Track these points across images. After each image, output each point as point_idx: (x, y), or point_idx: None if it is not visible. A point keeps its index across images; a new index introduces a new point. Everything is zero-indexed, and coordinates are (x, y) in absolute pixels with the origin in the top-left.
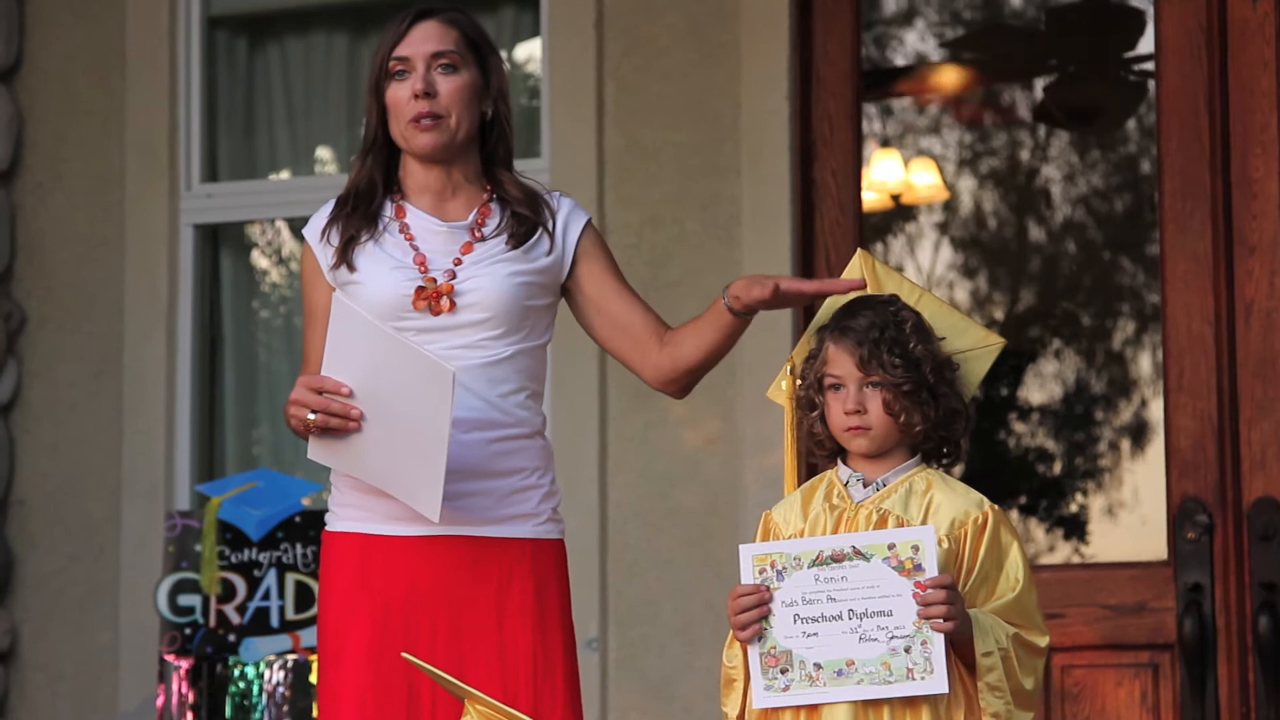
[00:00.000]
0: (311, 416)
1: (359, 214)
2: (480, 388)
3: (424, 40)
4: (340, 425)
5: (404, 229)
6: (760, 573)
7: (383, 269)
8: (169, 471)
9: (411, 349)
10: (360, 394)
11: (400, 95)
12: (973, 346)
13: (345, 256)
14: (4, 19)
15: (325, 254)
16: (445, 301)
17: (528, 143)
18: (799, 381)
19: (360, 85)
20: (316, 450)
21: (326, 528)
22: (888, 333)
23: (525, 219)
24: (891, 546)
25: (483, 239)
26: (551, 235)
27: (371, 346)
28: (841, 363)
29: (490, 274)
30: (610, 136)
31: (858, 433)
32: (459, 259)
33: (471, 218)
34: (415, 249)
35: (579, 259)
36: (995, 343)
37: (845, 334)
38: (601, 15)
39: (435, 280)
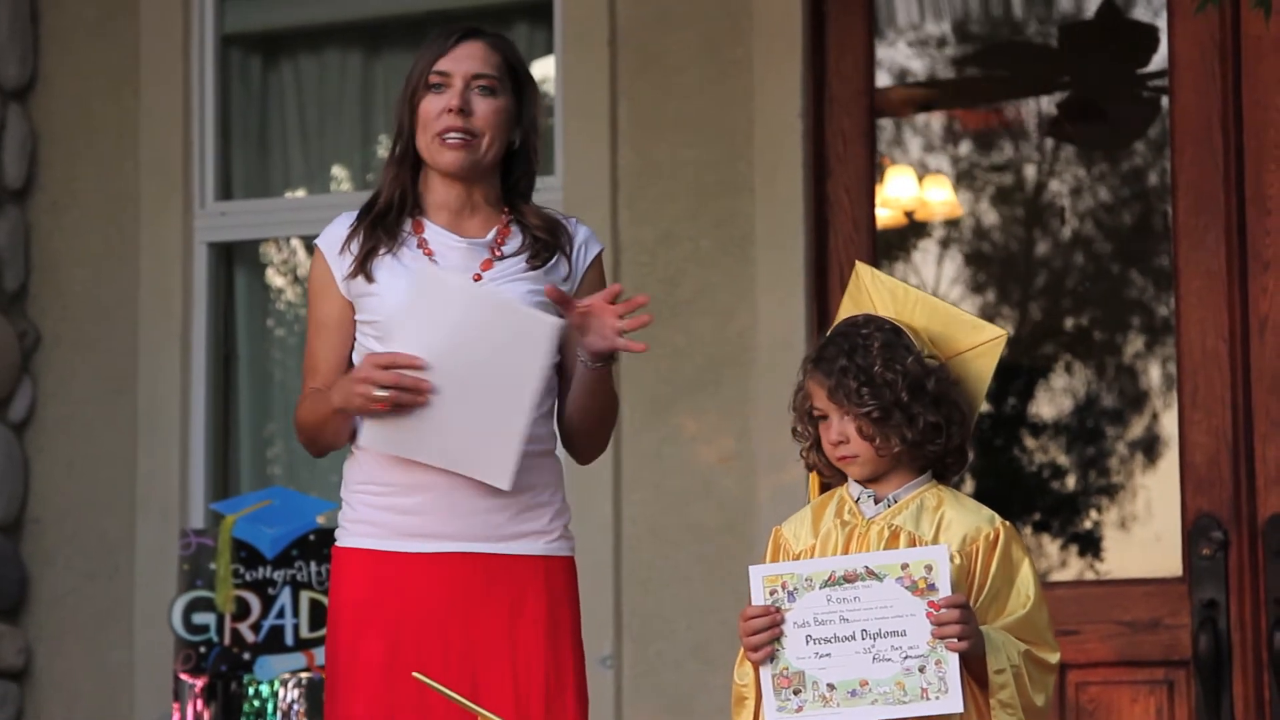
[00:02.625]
0: (382, 393)
1: (381, 226)
2: None
3: (468, 58)
4: (411, 400)
5: (422, 244)
6: (771, 594)
7: (402, 283)
8: (184, 489)
9: (510, 305)
10: (436, 364)
11: (433, 108)
12: (976, 343)
13: (364, 268)
14: (19, 38)
15: (341, 264)
16: None
17: (541, 161)
18: (792, 412)
19: (374, 103)
20: (373, 433)
21: (337, 543)
22: (855, 359)
23: (545, 243)
24: (904, 566)
25: (502, 257)
26: (570, 260)
27: (456, 312)
28: (819, 396)
29: (509, 291)
30: (624, 154)
31: (847, 461)
32: (479, 275)
33: (491, 236)
34: (435, 264)
35: (577, 294)
36: (998, 335)
37: (817, 367)
38: (615, 33)
39: None
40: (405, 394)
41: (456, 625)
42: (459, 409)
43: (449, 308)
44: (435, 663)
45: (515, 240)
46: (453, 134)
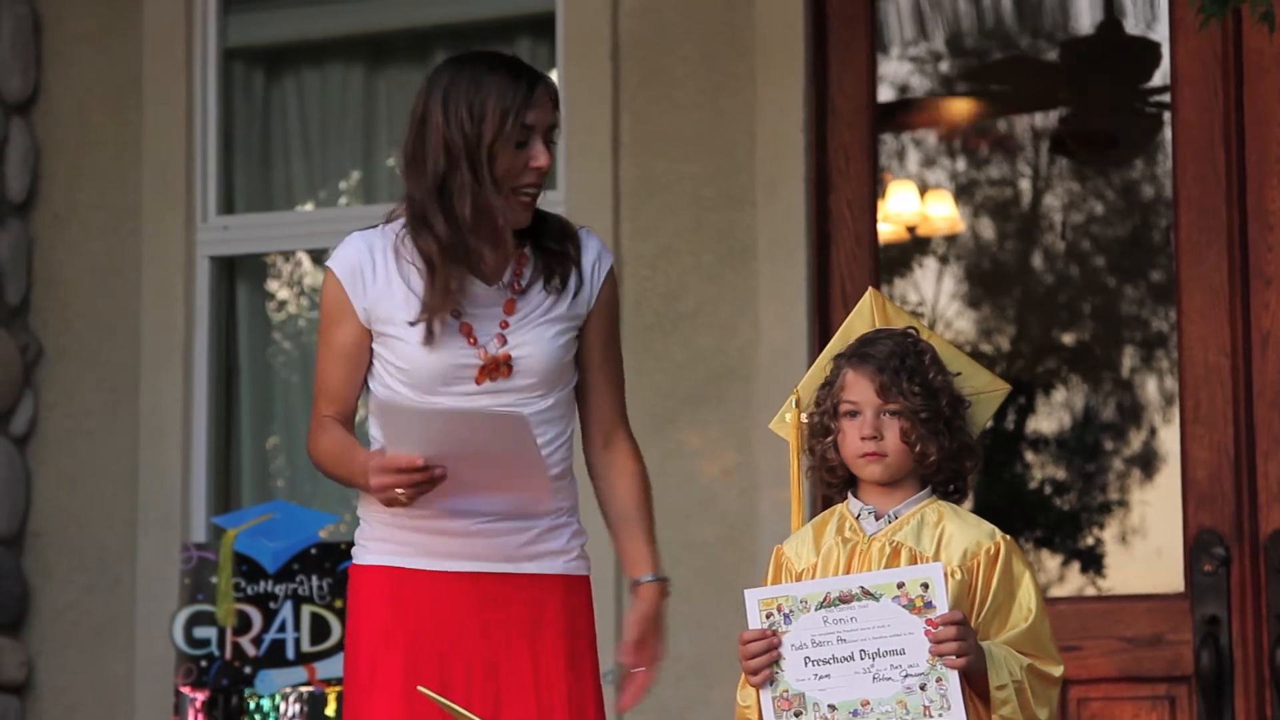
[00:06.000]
0: (402, 492)
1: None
2: None
3: (543, 107)
4: (429, 485)
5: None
6: (767, 617)
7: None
8: (185, 503)
9: (476, 414)
10: (437, 457)
11: (518, 163)
12: (979, 390)
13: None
14: (21, 52)
15: (357, 290)
16: (504, 369)
17: None
18: (815, 408)
19: (377, 117)
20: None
21: (355, 561)
22: (908, 361)
23: (555, 257)
24: (901, 585)
25: (523, 291)
26: (582, 278)
27: (434, 427)
28: (860, 389)
29: (537, 338)
30: (625, 168)
31: (873, 459)
32: (505, 321)
33: (509, 274)
34: (458, 315)
35: (592, 312)
36: (1001, 388)
37: (865, 360)
38: (617, 47)
39: (489, 352)
40: (421, 485)
41: (477, 643)
42: (475, 469)
43: (426, 425)
44: (458, 679)
45: (530, 265)
46: (532, 189)
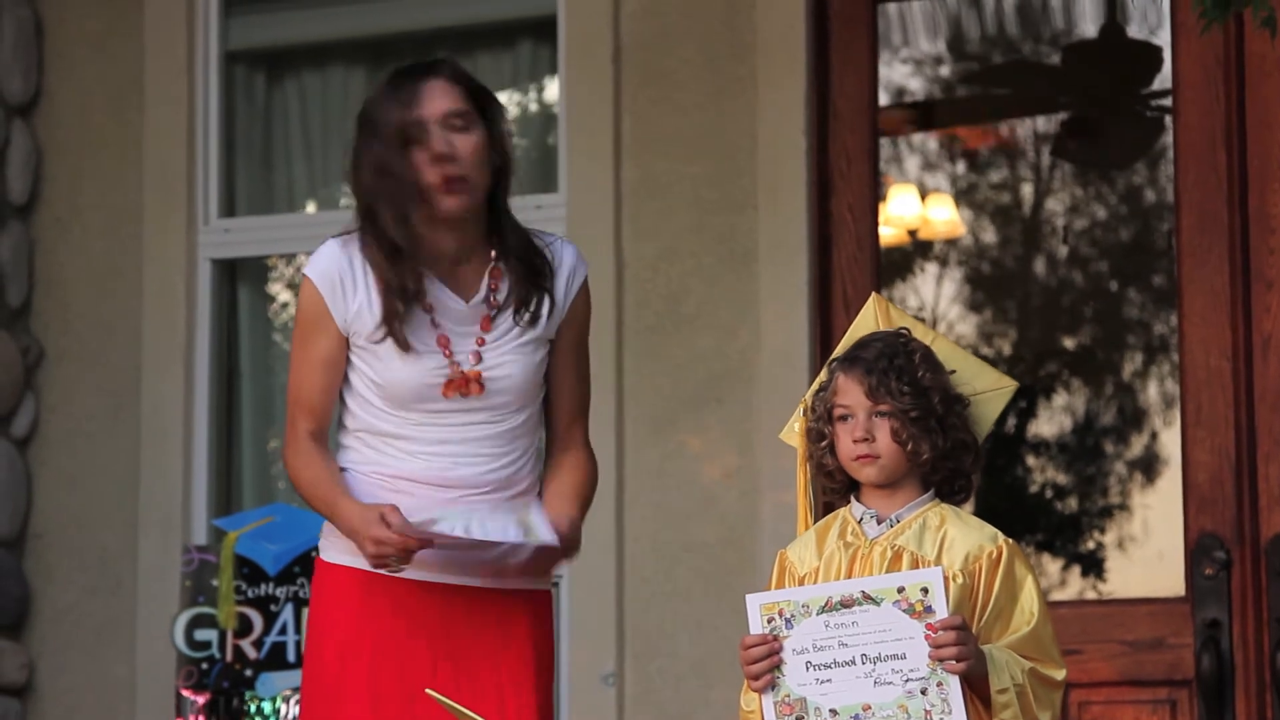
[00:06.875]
0: (394, 560)
1: (399, 286)
2: (500, 452)
3: (437, 99)
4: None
5: (420, 297)
6: (769, 621)
7: (408, 352)
8: (186, 505)
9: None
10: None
11: (420, 159)
12: (986, 389)
13: (394, 330)
14: (22, 54)
15: (336, 299)
16: (474, 386)
17: (545, 177)
18: (811, 414)
19: None
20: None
21: (322, 555)
22: (896, 361)
23: (529, 285)
24: (901, 590)
25: (498, 307)
26: (555, 301)
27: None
28: (850, 392)
29: (514, 358)
30: (627, 170)
31: (866, 461)
32: (481, 339)
33: (484, 288)
34: (436, 325)
35: (563, 324)
36: (1008, 385)
37: (855, 364)
38: (618, 49)
39: (461, 368)
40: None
41: (442, 654)
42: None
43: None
44: (421, 691)
45: (504, 285)
46: (450, 180)
